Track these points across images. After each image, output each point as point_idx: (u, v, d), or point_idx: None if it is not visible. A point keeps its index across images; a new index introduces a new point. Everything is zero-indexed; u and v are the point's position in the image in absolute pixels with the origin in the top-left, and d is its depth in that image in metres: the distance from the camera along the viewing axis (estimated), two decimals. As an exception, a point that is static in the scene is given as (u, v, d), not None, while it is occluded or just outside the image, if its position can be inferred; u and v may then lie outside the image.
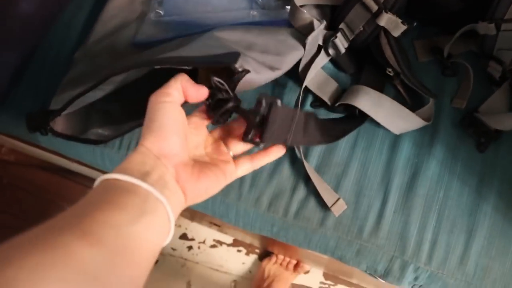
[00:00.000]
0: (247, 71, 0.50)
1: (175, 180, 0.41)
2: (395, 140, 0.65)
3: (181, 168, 0.41)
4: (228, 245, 1.33)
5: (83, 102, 0.56)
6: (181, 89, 0.43)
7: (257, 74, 0.53)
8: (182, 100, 0.43)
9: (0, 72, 0.69)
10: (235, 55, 0.51)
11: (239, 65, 0.49)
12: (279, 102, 0.47)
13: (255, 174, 0.65)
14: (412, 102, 0.66)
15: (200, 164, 0.44)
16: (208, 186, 0.43)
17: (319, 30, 0.61)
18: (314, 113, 0.55)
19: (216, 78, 0.45)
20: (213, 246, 1.33)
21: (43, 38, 0.74)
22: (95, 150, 0.70)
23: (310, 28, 0.60)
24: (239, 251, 1.33)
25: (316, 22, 0.60)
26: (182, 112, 0.42)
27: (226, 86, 0.46)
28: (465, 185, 0.63)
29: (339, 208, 0.62)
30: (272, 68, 0.56)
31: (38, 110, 0.67)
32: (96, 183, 0.38)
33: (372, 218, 0.63)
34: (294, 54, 0.60)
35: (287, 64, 0.59)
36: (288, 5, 0.64)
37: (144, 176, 0.38)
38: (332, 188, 0.63)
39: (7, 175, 1.20)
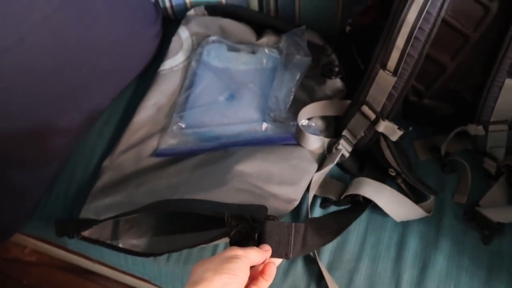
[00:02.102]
0: (274, 217, 0.58)
1: None
2: (402, 235, 0.69)
3: None
4: None
5: (114, 218, 0.62)
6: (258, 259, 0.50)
7: (279, 214, 0.61)
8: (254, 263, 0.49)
9: (39, 186, 0.75)
10: (263, 210, 0.59)
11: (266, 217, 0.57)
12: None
13: (271, 272, 0.68)
14: (415, 198, 0.71)
15: None
16: None
17: (325, 141, 0.68)
18: (311, 219, 0.64)
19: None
20: None
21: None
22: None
23: (321, 149, 0.69)
24: None
25: (325, 140, 0.69)
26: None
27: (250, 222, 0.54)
28: (474, 278, 0.65)
29: None
30: (289, 201, 0.65)
31: (68, 218, 0.73)
32: None
33: (386, 313, 0.64)
34: (306, 178, 0.68)
35: (301, 191, 0.67)
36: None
37: None
38: (345, 283, 0.66)
39: (27, 276, 1.22)
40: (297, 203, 0.66)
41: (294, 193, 0.66)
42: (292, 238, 0.53)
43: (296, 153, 0.70)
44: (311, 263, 0.67)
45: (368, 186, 0.68)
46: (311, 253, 0.68)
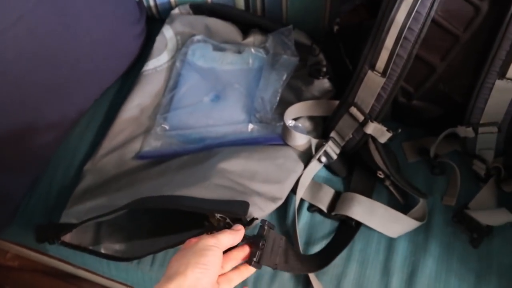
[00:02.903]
0: (255, 219, 0.56)
1: None
2: (391, 239, 0.67)
3: None
4: None
5: (95, 220, 0.60)
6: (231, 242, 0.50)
7: (262, 212, 0.59)
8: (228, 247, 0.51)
9: (19, 190, 0.73)
10: (245, 206, 0.58)
11: (248, 215, 0.56)
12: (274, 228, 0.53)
13: (257, 277, 0.67)
14: (405, 200, 0.70)
15: None
16: None
17: (313, 142, 0.67)
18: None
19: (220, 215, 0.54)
20: None
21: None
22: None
23: (307, 147, 0.67)
24: None
25: (313, 141, 0.66)
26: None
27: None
28: (463, 282, 0.64)
29: None
30: (274, 200, 0.63)
31: (48, 222, 0.70)
32: None
33: (375, 318, 0.63)
34: (292, 177, 0.66)
35: (287, 190, 0.65)
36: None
37: None
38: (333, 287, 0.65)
39: (10, 281, 1.20)
40: (281, 201, 0.64)
41: (279, 192, 0.64)
42: (281, 250, 0.54)
43: (282, 153, 0.68)
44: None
45: (359, 206, 0.66)
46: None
